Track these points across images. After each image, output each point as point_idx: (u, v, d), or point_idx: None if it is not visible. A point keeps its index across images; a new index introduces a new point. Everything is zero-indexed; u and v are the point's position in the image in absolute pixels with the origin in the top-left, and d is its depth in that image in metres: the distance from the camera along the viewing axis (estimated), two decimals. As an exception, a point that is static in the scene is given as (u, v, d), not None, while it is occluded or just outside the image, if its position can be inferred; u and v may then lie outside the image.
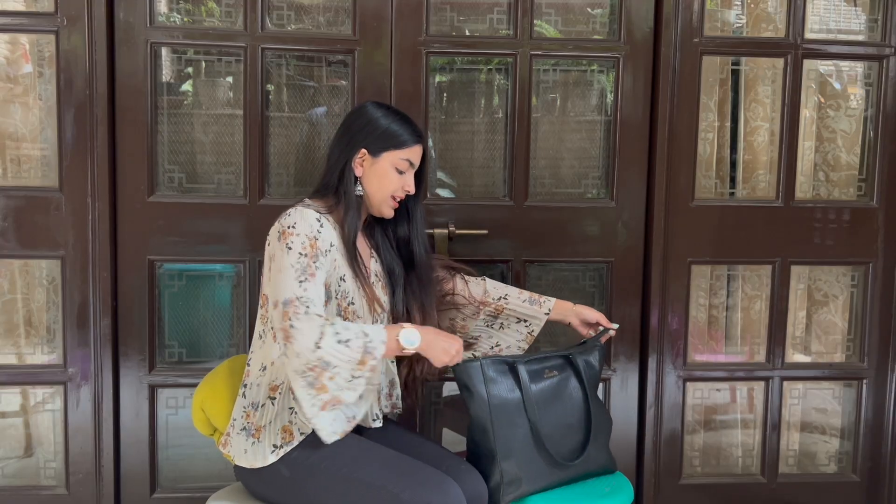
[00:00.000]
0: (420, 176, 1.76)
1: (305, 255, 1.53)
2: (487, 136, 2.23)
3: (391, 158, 1.67)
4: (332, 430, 1.50)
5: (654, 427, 2.27)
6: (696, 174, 2.22)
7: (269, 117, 2.13)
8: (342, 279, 1.63)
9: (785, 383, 2.34)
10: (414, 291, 1.76)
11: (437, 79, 2.21)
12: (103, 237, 2.06)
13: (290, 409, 1.57)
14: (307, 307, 1.48)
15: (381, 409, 1.74)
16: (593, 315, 1.87)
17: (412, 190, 1.73)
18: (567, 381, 1.74)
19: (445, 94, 2.23)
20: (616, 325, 1.87)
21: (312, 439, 1.55)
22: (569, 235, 2.21)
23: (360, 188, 1.68)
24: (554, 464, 1.66)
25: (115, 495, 2.14)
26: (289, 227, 1.56)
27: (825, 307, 2.41)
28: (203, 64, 2.16)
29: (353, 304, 1.64)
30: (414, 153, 1.70)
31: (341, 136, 1.71)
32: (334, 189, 1.68)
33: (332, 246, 1.59)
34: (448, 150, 2.23)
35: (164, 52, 2.12)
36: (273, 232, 1.59)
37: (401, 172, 1.69)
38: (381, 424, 1.71)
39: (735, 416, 2.40)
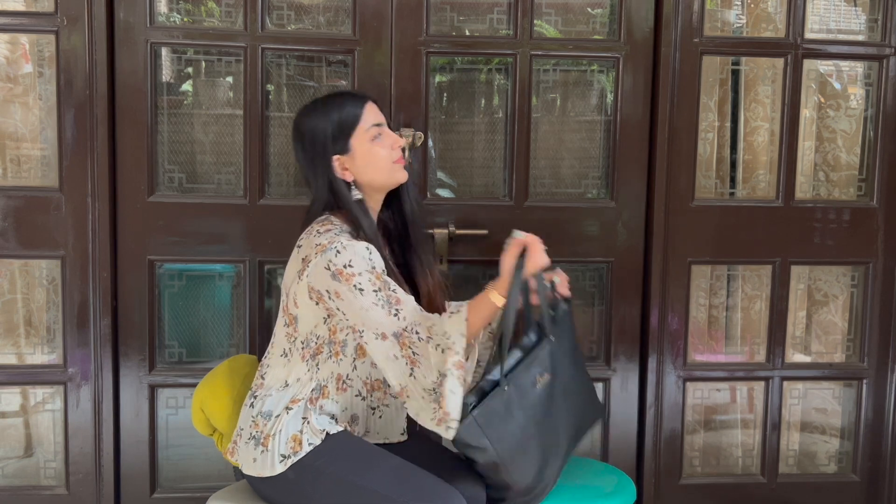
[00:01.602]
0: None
1: (380, 290, 1.51)
2: (487, 136, 2.23)
3: (360, 138, 1.62)
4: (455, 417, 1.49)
5: (654, 427, 2.27)
6: (696, 174, 2.22)
7: (269, 117, 2.13)
8: None
9: (785, 383, 2.34)
10: (415, 266, 1.72)
11: (437, 79, 2.21)
12: (103, 237, 2.06)
13: (304, 419, 1.56)
14: (417, 333, 1.50)
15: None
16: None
17: (400, 142, 1.67)
18: (557, 372, 1.64)
19: (445, 94, 2.23)
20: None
21: (320, 447, 1.54)
22: (569, 235, 2.21)
23: (356, 192, 1.64)
24: (566, 452, 1.65)
25: (115, 495, 2.14)
26: (345, 267, 1.51)
27: (825, 307, 2.41)
28: (203, 64, 2.16)
29: None
30: (371, 113, 1.64)
31: (304, 159, 1.65)
32: (337, 204, 1.63)
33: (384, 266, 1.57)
34: (448, 150, 2.23)
35: (164, 52, 2.13)
36: (318, 266, 1.53)
37: (377, 138, 1.63)
38: (405, 437, 1.69)
39: (735, 416, 2.40)
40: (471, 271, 2.26)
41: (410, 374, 1.50)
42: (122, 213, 2.09)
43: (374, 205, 1.69)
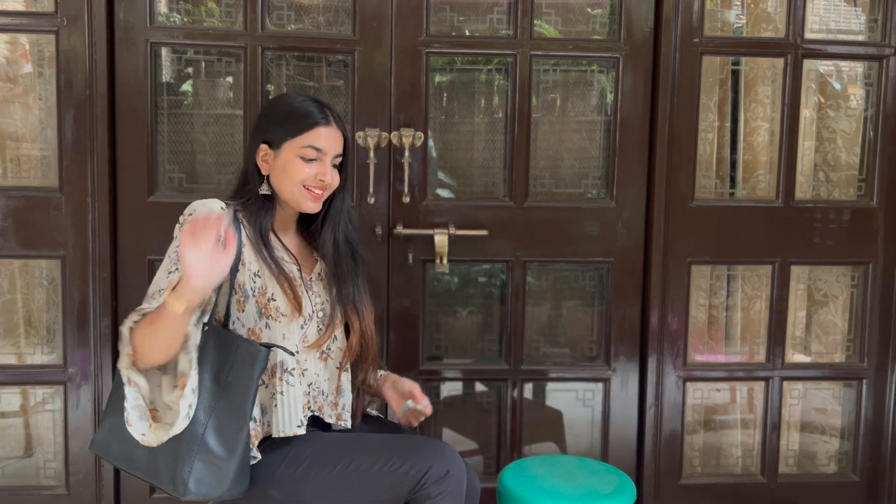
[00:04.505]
0: (343, 168, 1.65)
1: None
2: (487, 136, 2.23)
3: (291, 148, 1.57)
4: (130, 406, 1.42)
5: (654, 427, 2.27)
6: (696, 174, 2.22)
7: (269, 117, 2.12)
8: (256, 275, 1.55)
9: (785, 383, 2.33)
10: (345, 301, 1.67)
11: (437, 79, 2.21)
12: (103, 237, 2.06)
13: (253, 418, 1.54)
14: (161, 295, 1.40)
15: (324, 418, 1.65)
16: (407, 385, 1.72)
17: (328, 179, 1.59)
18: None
19: (445, 94, 2.23)
20: (425, 404, 1.67)
21: (295, 455, 1.52)
22: (569, 235, 2.21)
23: (266, 187, 1.60)
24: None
25: (114, 495, 2.13)
26: (186, 214, 1.50)
27: (825, 307, 2.41)
28: (203, 64, 2.16)
29: (273, 299, 1.55)
30: (317, 137, 1.58)
31: (250, 132, 1.64)
32: (242, 189, 1.62)
33: (238, 244, 1.50)
34: (448, 150, 2.23)
35: (164, 52, 2.12)
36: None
37: (309, 160, 1.57)
38: (304, 431, 1.57)
39: (735, 416, 2.40)
40: (471, 272, 2.26)
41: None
42: (122, 213, 2.09)
43: (288, 209, 1.65)
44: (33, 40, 2.09)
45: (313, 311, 1.63)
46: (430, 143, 2.17)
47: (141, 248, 2.10)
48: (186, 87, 2.17)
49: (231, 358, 1.45)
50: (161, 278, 1.47)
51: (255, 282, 1.55)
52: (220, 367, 1.45)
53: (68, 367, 2.10)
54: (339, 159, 1.64)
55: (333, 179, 1.61)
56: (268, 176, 1.61)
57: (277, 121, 1.60)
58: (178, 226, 1.52)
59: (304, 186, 1.58)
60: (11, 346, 2.17)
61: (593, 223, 2.21)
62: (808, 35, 2.23)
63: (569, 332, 2.30)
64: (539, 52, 2.16)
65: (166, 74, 2.14)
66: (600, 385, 2.28)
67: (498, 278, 2.25)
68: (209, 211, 1.49)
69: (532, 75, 2.16)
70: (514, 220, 2.19)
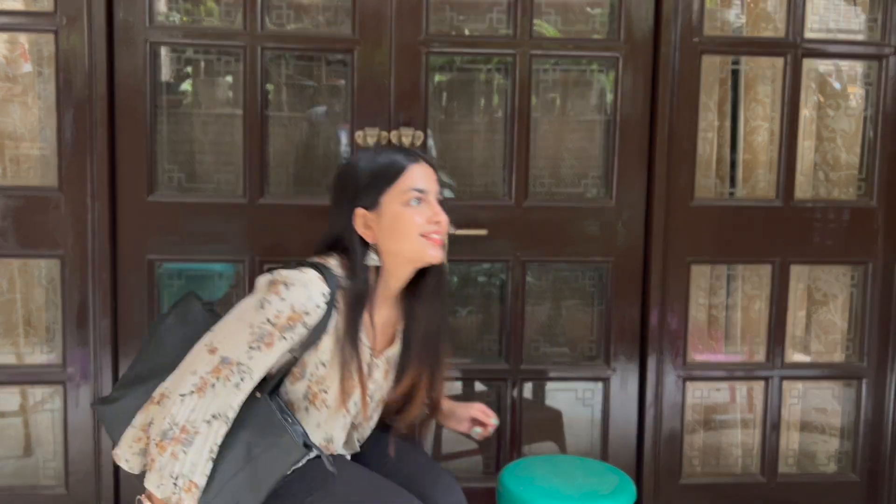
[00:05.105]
0: (444, 206, 1.50)
1: (273, 325, 1.34)
2: (487, 136, 2.23)
3: (393, 198, 1.43)
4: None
5: (653, 427, 2.27)
6: (696, 174, 2.22)
7: (268, 117, 2.12)
8: (322, 364, 1.45)
9: (784, 383, 2.33)
10: (409, 361, 1.56)
11: (437, 78, 2.21)
12: (103, 237, 2.06)
13: None
14: (241, 379, 1.34)
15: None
16: (468, 412, 1.69)
17: (443, 218, 1.45)
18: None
19: (445, 94, 2.23)
20: (495, 421, 1.72)
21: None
22: (569, 235, 2.21)
23: (373, 257, 1.46)
24: None
25: (114, 495, 2.13)
26: (283, 284, 1.36)
27: (825, 307, 2.41)
28: (202, 63, 2.16)
29: (326, 392, 1.47)
30: (415, 176, 1.44)
31: (334, 199, 1.49)
32: (352, 261, 1.45)
33: (322, 330, 1.40)
34: (448, 150, 2.23)
35: (164, 51, 2.12)
36: (266, 274, 1.41)
37: (415, 204, 1.43)
38: None
39: (735, 416, 2.40)
40: (471, 271, 2.26)
41: (185, 395, 1.32)
42: (121, 213, 2.09)
43: (396, 279, 1.50)
44: (32, 40, 2.09)
45: (359, 403, 1.53)
46: (430, 142, 2.17)
47: (141, 248, 2.10)
48: (186, 86, 2.17)
49: (270, 438, 1.37)
50: (240, 348, 1.34)
51: (317, 369, 1.46)
52: (255, 442, 1.37)
53: (68, 367, 2.10)
54: (441, 196, 1.51)
55: (445, 219, 1.48)
56: (373, 245, 1.46)
57: (364, 181, 1.45)
58: (265, 281, 1.39)
59: (422, 236, 1.44)
60: (11, 346, 2.17)
61: (593, 223, 2.21)
62: (808, 34, 2.23)
63: (568, 332, 2.30)
64: (539, 52, 2.16)
65: (166, 74, 2.14)
66: (600, 385, 2.28)
67: (497, 278, 2.25)
68: (308, 297, 1.37)
69: (532, 75, 2.16)
70: (513, 220, 2.19)
